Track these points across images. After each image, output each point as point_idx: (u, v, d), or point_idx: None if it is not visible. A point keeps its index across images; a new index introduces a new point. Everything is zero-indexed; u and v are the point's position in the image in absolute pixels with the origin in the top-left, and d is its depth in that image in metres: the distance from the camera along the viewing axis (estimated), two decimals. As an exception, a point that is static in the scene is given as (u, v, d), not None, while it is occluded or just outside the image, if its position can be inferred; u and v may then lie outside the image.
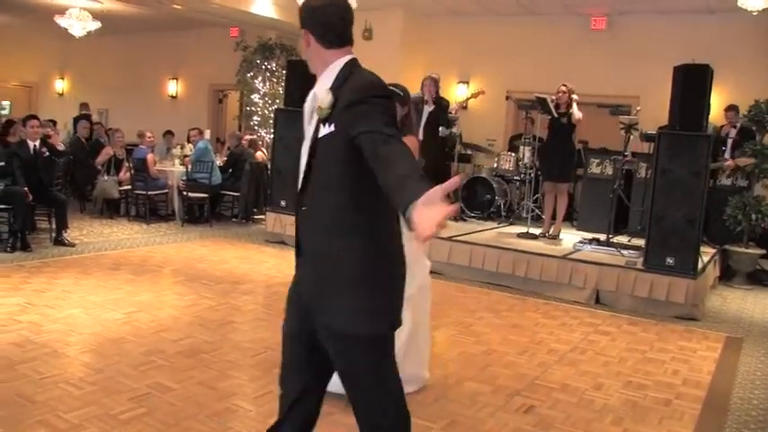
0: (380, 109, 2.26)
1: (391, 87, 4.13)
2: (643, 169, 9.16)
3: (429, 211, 1.80)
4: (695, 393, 4.72)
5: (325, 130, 2.35)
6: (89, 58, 17.63)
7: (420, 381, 4.32)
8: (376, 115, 2.22)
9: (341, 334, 2.40)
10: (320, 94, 2.39)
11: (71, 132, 12.81)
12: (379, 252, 2.41)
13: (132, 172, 10.31)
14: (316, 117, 2.41)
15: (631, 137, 8.39)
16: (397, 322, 2.48)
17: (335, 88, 2.37)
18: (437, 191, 1.83)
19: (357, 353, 2.43)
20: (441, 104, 9.16)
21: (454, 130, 9.87)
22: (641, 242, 7.56)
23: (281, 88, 12.81)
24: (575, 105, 8.31)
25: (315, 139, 2.40)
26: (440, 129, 9.12)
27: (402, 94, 4.06)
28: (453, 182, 1.88)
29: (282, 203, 9.46)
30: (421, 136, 8.90)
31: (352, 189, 2.35)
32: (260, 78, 13.30)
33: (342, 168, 2.34)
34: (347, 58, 2.49)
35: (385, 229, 2.44)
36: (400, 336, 3.81)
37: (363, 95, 2.27)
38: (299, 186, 2.49)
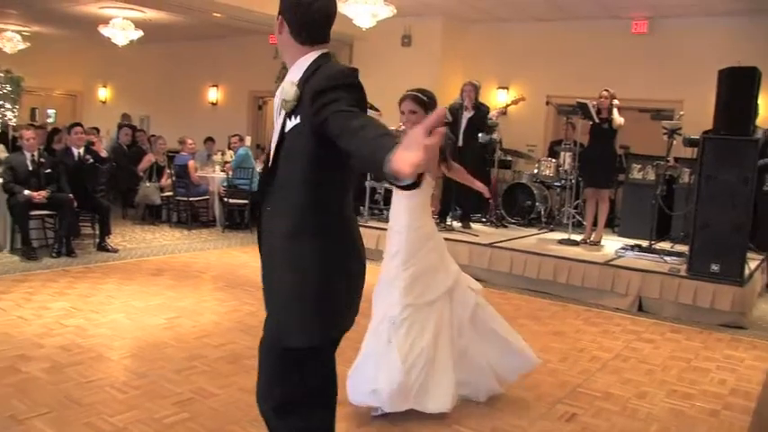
0: (350, 96, 2.17)
1: (417, 93, 4.15)
2: (686, 175, 9.02)
3: (407, 152, 1.64)
4: (744, 404, 4.61)
5: (291, 123, 2.29)
6: (131, 66, 17.93)
7: (449, 399, 3.86)
8: (345, 100, 2.13)
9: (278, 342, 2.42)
10: (286, 87, 2.32)
11: (114, 139, 13.03)
12: (331, 257, 2.35)
13: (174, 178, 10.45)
14: (282, 112, 2.34)
15: (674, 142, 8.27)
16: (334, 334, 2.48)
17: (302, 81, 2.30)
18: (418, 130, 1.66)
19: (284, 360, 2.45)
20: (480, 110, 9.13)
21: (494, 135, 9.83)
22: (685, 248, 7.44)
23: (320, 95, 12.87)
24: (615, 110, 8.22)
25: (281, 133, 2.34)
26: (479, 135, 9.08)
27: (428, 100, 4.07)
28: (437, 115, 1.68)
29: (322, 210, 9.47)
30: (461, 142, 8.91)
31: (311, 190, 2.29)
32: (299, 85, 13.35)
33: (305, 166, 2.27)
34: (318, 53, 2.39)
35: (340, 233, 2.40)
36: (414, 347, 3.77)
37: (333, 83, 2.18)
38: (262, 184, 2.46)
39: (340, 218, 2.39)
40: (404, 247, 3.92)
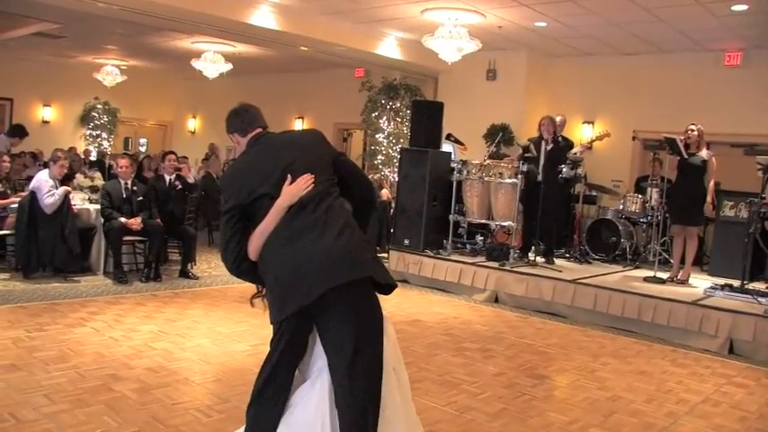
0: None
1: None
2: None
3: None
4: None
5: None
6: (220, 98, 18.45)
7: None
8: None
9: None
10: None
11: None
12: (275, 256, 2.91)
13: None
14: None
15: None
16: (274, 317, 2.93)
17: None
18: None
19: None
20: (559, 143, 9.03)
21: (578, 170, 9.71)
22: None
23: (405, 128, 13.01)
24: (704, 149, 8.06)
25: None
26: (563, 169, 8.98)
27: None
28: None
29: (406, 242, 9.54)
30: (540, 176, 8.84)
31: None
32: (384, 118, 13.51)
33: None
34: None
35: (279, 236, 2.92)
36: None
37: None
38: None
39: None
40: None
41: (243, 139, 3.30)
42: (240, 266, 3.03)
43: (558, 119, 9.50)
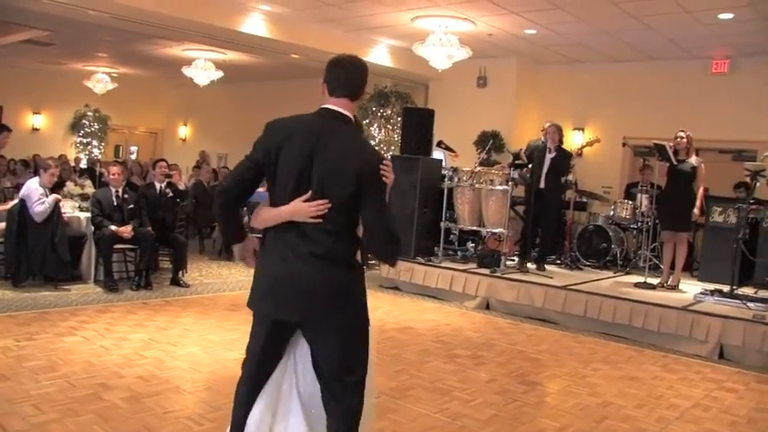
0: None
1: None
2: (770, 218, 8.73)
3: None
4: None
5: None
6: (211, 105, 18.55)
7: None
8: None
9: None
10: None
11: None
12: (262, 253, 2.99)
13: (248, 216, 10.67)
14: None
15: (757, 184, 8.03)
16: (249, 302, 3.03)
17: None
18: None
19: None
20: (563, 153, 9.07)
21: (570, 177, 9.75)
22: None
23: (396, 135, 13.02)
24: (693, 155, 8.11)
25: None
26: (567, 179, 9.04)
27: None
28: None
29: (398, 249, 9.50)
30: (542, 184, 8.86)
31: None
32: (375, 125, 13.51)
33: None
34: None
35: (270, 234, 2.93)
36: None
37: None
38: None
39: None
40: None
41: (324, 97, 2.99)
42: (226, 212, 3.01)
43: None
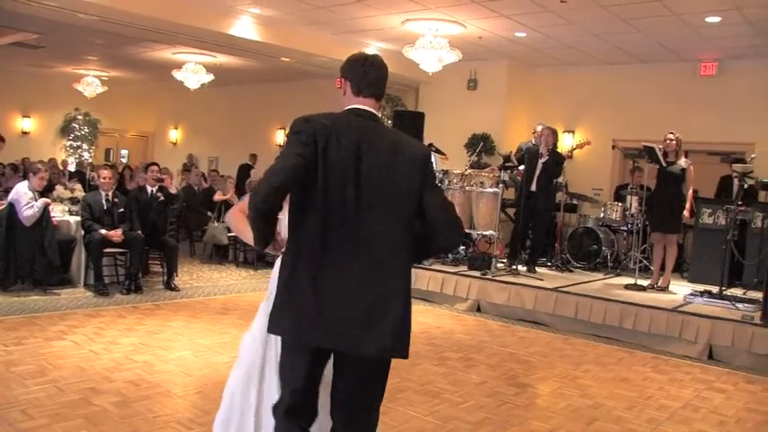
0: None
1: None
2: (759, 219, 8.78)
3: None
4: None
5: None
6: (201, 108, 18.51)
7: None
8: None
9: None
10: None
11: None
12: (286, 265, 2.80)
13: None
14: None
15: (745, 185, 8.08)
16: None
17: None
18: None
19: None
20: (556, 157, 9.09)
21: (560, 179, 9.77)
22: (758, 295, 7.21)
23: (386, 138, 13.02)
24: (683, 157, 8.15)
25: None
26: (560, 182, 9.06)
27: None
28: None
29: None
30: (534, 187, 8.88)
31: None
32: (366, 129, 13.51)
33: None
34: None
35: (295, 246, 2.81)
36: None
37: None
38: None
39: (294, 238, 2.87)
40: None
41: (347, 97, 2.77)
42: (274, 213, 2.76)
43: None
